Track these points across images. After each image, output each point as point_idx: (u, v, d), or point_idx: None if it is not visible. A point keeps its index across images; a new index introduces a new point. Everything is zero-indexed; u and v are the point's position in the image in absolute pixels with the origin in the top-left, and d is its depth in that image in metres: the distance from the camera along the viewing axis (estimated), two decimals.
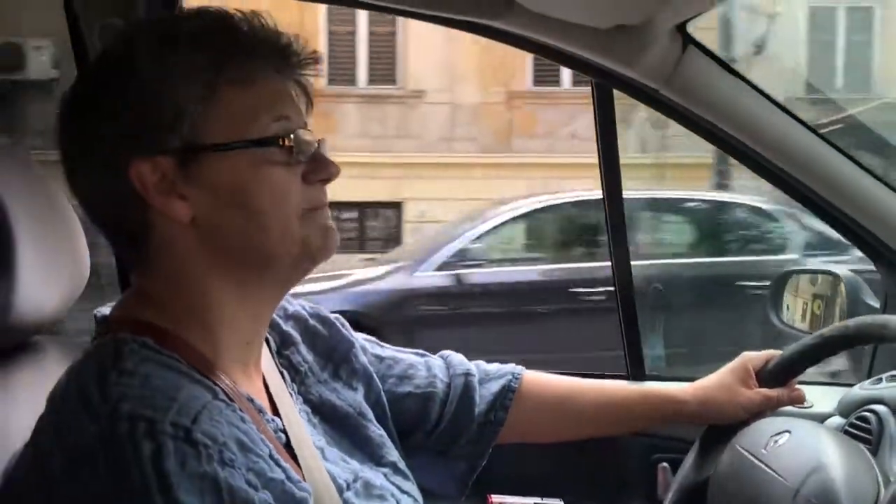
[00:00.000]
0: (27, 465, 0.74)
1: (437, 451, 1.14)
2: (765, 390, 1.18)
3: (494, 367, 1.21)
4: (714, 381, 1.20)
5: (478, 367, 1.19)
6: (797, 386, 1.21)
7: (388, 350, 1.15)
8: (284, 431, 0.84)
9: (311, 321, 1.05)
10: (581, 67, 1.38)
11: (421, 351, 1.19)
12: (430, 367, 1.16)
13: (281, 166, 0.80)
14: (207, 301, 0.81)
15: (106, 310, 0.88)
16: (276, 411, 0.87)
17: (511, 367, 1.22)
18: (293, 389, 0.95)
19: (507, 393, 1.17)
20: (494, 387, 1.17)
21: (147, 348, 0.76)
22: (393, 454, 1.00)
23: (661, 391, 1.25)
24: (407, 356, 1.16)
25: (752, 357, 1.21)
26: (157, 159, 0.77)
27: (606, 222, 1.60)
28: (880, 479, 0.93)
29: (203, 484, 0.68)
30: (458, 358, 1.20)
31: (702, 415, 1.19)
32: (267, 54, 0.80)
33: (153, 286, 0.82)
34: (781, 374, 1.19)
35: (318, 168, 0.83)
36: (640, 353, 1.63)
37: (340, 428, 0.98)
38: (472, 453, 1.15)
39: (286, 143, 0.80)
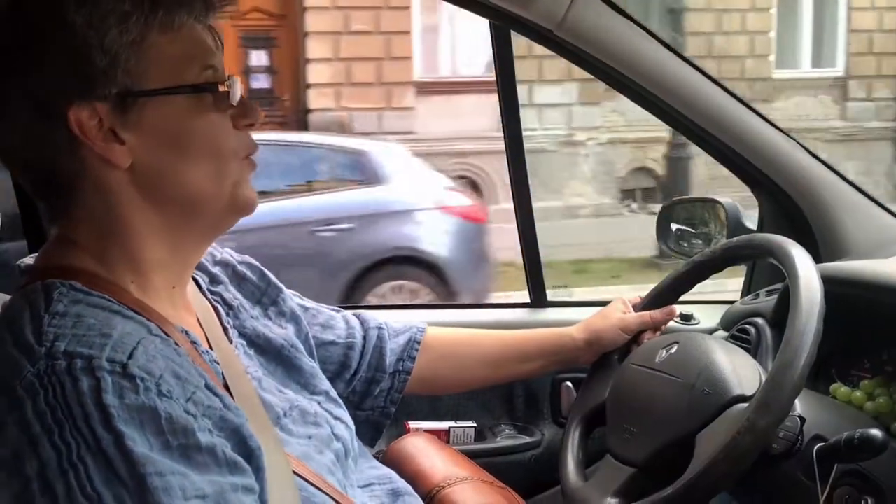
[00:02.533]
0: None
1: (354, 404, 1.22)
2: (639, 313, 1.31)
3: (400, 323, 1.30)
4: (596, 314, 1.34)
5: (386, 323, 1.28)
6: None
7: (309, 302, 1.21)
8: (219, 363, 0.87)
9: (240, 267, 1.08)
10: (478, 9, 1.42)
11: (335, 307, 1.27)
12: (347, 319, 1.25)
13: (214, 111, 0.83)
14: (138, 244, 0.83)
15: (29, 260, 0.88)
16: (210, 345, 0.90)
17: (416, 322, 1.31)
18: (228, 323, 0.99)
19: (413, 344, 1.27)
20: (402, 339, 1.28)
21: (76, 290, 0.78)
22: (324, 384, 1.06)
23: (552, 332, 1.34)
24: (325, 310, 1.23)
25: (632, 297, 1.35)
26: (94, 105, 0.78)
27: (508, 160, 1.67)
28: (761, 371, 1.05)
29: (143, 415, 0.70)
30: (369, 314, 1.29)
31: (589, 343, 1.30)
32: (189, 1, 0.82)
33: (81, 232, 0.83)
34: (659, 304, 1.31)
35: (246, 113, 0.86)
36: (542, 281, 1.72)
37: (275, 360, 1.02)
38: (384, 403, 1.25)
39: (222, 88, 0.83)
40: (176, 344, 0.80)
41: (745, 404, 0.99)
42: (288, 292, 1.14)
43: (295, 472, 0.87)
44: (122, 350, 0.72)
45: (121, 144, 0.79)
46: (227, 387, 0.85)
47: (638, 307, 1.33)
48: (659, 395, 1.09)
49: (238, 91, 0.84)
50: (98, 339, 0.73)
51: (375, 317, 1.29)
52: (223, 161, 0.84)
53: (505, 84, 1.56)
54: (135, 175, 0.81)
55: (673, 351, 1.13)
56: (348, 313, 1.27)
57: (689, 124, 1.48)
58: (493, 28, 1.51)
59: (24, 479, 0.68)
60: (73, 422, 0.69)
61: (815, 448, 0.99)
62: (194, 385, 0.76)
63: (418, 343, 1.28)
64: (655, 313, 1.30)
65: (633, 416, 1.12)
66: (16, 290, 0.84)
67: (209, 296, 1.00)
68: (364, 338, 1.24)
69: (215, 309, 0.98)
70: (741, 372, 1.04)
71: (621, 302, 1.34)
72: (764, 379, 1.00)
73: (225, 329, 0.97)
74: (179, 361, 0.77)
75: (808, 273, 1.02)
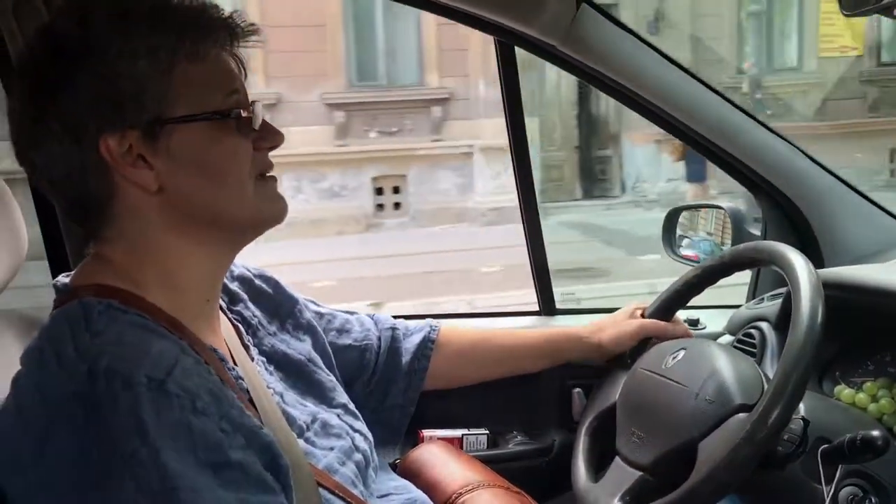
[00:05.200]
0: (10, 421, 0.78)
1: (373, 408, 1.25)
2: (649, 320, 1.34)
3: (414, 322, 1.34)
4: (606, 317, 1.38)
5: (399, 323, 1.32)
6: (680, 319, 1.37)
7: (324, 307, 1.25)
8: (244, 380, 0.91)
9: (257, 281, 1.12)
10: (484, 27, 1.45)
11: (349, 309, 1.30)
12: (362, 322, 1.28)
13: (238, 135, 0.86)
14: (170, 262, 0.87)
15: (65, 279, 0.92)
16: (234, 362, 0.93)
17: (429, 321, 1.35)
18: (249, 341, 1.02)
19: (428, 343, 1.31)
20: (416, 339, 1.31)
21: (114, 309, 0.81)
22: (343, 396, 1.09)
23: (563, 330, 1.39)
24: (340, 313, 1.26)
25: (640, 303, 1.39)
26: (125, 132, 0.81)
27: (514, 172, 1.70)
28: (764, 379, 1.08)
29: (177, 431, 0.73)
30: (382, 315, 1.32)
31: (596, 343, 1.34)
32: (216, 30, 0.85)
33: (114, 252, 0.86)
34: (667, 309, 1.35)
35: (267, 136, 0.90)
36: (551, 290, 1.75)
37: (294, 375, 1.06)
38: (402, 403, 1.28)
39: (246, 114, 0.86)
40: (206, 363, 0.83)
41: (747, 414, 1.02)
42: (303, 301, 1.18)
43: (320, 484, 0.90)
44: (160, 368, 0.76)
45: (150, 169, 0.83)
46: (252, 403, 0.89)
47: (647, 312, 1.36)
48: (664, 402, 1.12)
49: (260, 116, 0.88)
50: (136, 356, 0.76)
51: (388, 317, 1.33)
52: (245, 182, 0.88)
53: (510, 99, 1.59)
54: (163, 198, 0.84)
55: (679, 357, 1.16)
56: (362, 315, 1.30)
57: (692, 133, 1.51)
58: (497, 44, 1.55)
59: (74, 486, 0.72)
60: (112, 436, 0.72)
61: (820, 449, 1.02)
62: (228, 403, 0.79)
63: (432, 342, 1.31)
64: (668, 327, 1.33)
65: (641, 420, 1.15)
66: (54, 308, 0.88)
67: (230, 315, 1.03)
68: (379, 339, 1.27)
69: (236, 327, 1.02)
70: (744, 381, 1.07)
71: (631, 310, 1.37)
72: (766, 386, 1.03)
73: (246, 347, 1.00)
74: (212, 380, 0.81)
75: (809, 284, 1.04)
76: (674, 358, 1.16)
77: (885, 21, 9.79)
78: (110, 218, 0.85)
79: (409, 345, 1.30)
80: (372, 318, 1.30)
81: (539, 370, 1.41)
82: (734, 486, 1.00)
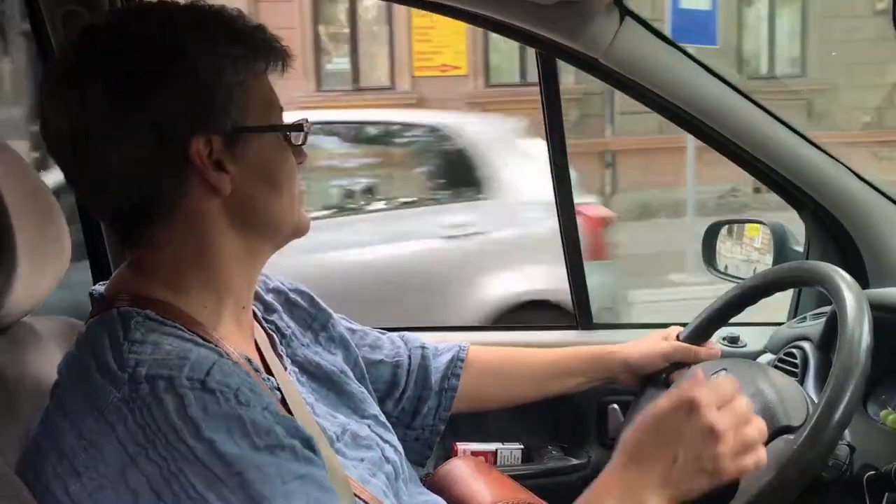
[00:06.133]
0: (59, 430, 0.79)
1: (404, 426, 1.25)
2: (683, 344, 1.32)
3: (443, 343, 1.34)
4: (642, 338, 1.36)
5: (428, 343, 1.32)
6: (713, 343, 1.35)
7: (357, 325, 1.26)
8: (279, 389, 0.92)
9: (292, 294, 1.14)
10: (527, 40, 1.45)
11: (380, 329, 1.31)
12: (392, 340, 1.29)
13: (290, 149, 0.92)
14: (219, 268, 0.89)
15: (101, 288, 0.93)
16: (268, 371, 0.94)
17: (457, 342, 1.35)
18: (282, 351, 1.03)
19: (457, 362, 1.31)
20: (445, 358, 1.31)
21: (151, 320, 0.83)
22: (374, 408, 1.09)
23: (594, 349, 1.37)
24: (372, 331, 1.28)
25: (677, 327, 1.37)
26: (211, 136, 0.84)
27: (553, 179, 1.69)
28: (808, 401, 1.05)
29: (228, 422, 0.75)
30: (411, 335, 1.33)
31: (629, 365, 1.32)
32: (273, 50, 0.90)
33: (159, 259, 0.88)
34: (704, 329, 1.33)
35: (300, 153, 0.94)
36: (588, 302, 1.73)
37: (326, 385, 1.06)
38: (433, 422, 1.28)
39: (307, 129, 0.92)
40: (242, 369, 0.84)
41: (792, 436, 1.00)
42: (336, 317, 1.19)
43: (355, 495, 0.90)
44: (199, 370, 0.77)
45: (226, 174, 0.86)
46: (288, 410, 0.89)
47: (684, 333, 1.34)
48: None
49: (307, 133, 0.93)
50: (176, 361, 0.78)
51: (417, 337, 1.33)
52: (294, 192, 0.93)
53: (551, 111, 1.59)
54: (229, 203, 0.87)
55: (721, 377, 1.14)
56: (393, 334, 1.31)
57: (735, 148, 1.50)
58: (539, 57, 1.54)
59: (133, 491, 0.73)
60: (165, 438, 0.73)
61: (866, 476, 0.99)
62: (266, 400, 0.81)
63: (462, 361, 1.31)
64: (699, 349, 1.31)
65: None
66: (91, 316, 0.89)
67: (265, 324, 1.04)
68: (409, 357, 1.28)
69: (270, 337, 1.03)
70: (788, 402, 1.04)
71: (666, 331, 1.36)
72: (811, 408, 1.01)
73: (279, 357, 1.01)
74: (250, 380, 0.82)
75: (856, 308, 1.01)
76: (715, 376, 1.14)
77: (494, 40, 9.07)
78: (167, 222, 0.86)
79: (439, 364, 1.30)
80: (402, 338, 1.31)
81: (568, 391, 1.39)
82: None
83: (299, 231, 0.95)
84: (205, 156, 0.84)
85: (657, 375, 1.31)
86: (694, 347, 1.31)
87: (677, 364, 1.31)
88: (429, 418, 1.27)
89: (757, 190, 10.95)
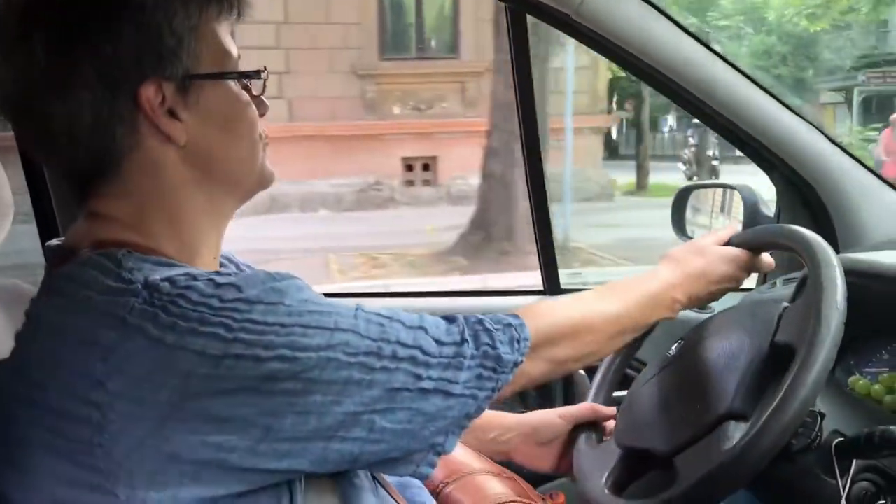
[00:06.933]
0: (65, 349, 0.75)
1: None
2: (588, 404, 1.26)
3: None
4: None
5: None
6: None
7: None
8: None
9: (242, 266, 1.08)
10: None
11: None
12: None
13: (249, 97, 0.89)
14: (181, 217, 0.86)
15: (57, 241, 0.89)
16: None
17: None
18: None
19: None
20: None
21: (133, 255, 0.80)
22: None
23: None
24: None
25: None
26: (161, 83, 0.81)
27: (522, 145, 1.65)
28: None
29: (266, 292, 0.75)
30: None
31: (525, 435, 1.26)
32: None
33: (120, 208, 0.84)
34: None
35: (260, 103, 0.91)
36: (556, 270, 1.71)
37: None
38: None
39: (265, 76, 0.89)
40: None
41: (742, 423, 0.95)
42: None
43: None
44: (203, 271, 0.77)
45: (180, 122, 0.83)
46: None
47: None
48: (656, 399, 1.10)
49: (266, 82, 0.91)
50: (179, 269, 0.77)
51: None
52: (256, 142, 0.90)
53: (520, 68, 1.54)
54: (185, 152, 0.84)
55: (673, 352, 1.12)
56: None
57: (707, 108, 1.47)
58: (508, 12, 1.49)
59: (172, 383, 0.71)
60: (206, 316, 0.72)
61: (834, 443, 0.97)
62: None
63: None
64: (600, 409, 1.26)
65: (637, 413, 1.12)
66: (52, 268, 0.84)
67: None
68: None
69: None
70: (740, 385, 0.99)
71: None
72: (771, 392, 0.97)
73: None
74: None
75: (832, 271, 0.98)
76: (676, 349, 1.13)
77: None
78: (125, 173, 0.83)
79: None
80: None
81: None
82: (751, 474, 0.93)
83: (263, 183, 0.93)
84: (156, 104, 0.81)
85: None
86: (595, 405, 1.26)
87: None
88: None
89: (410, 183, 11.03)
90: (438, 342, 0.83)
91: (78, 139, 0.81)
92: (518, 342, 0.89)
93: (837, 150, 1.46)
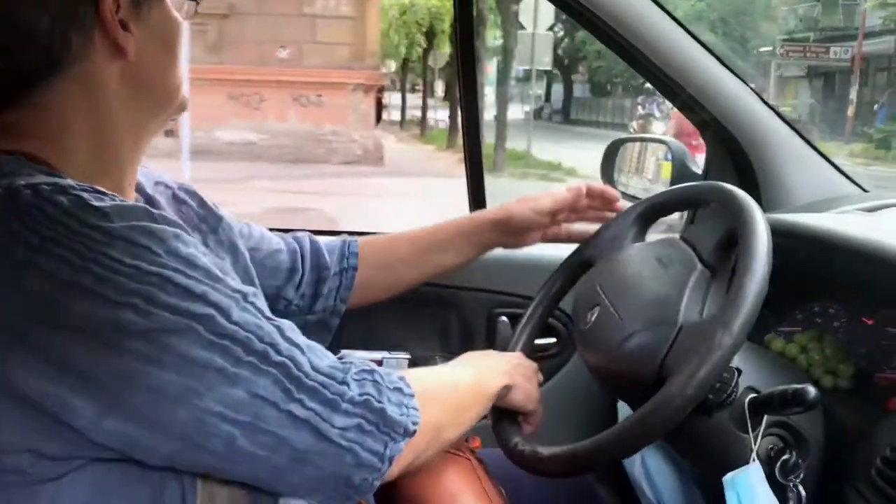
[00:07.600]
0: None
1: (305, 309, 1.22)
2: (551, 191, 1.31)
3: (325, 238, 1.30)
4: (525, 197, 1.33)
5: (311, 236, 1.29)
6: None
7: (242, 224, 1.19)
8: None
9: (179, 192, 1.06)
10: None
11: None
12: (280, 235, 1.26)
13: (186, 19, 0.90)
14: (109, 137, 0.84)
15: None
16: None
17: (342, 236, 1.32)
18: None
19: (350, 243, 1.29)
20: (336, 241, 1.29)
21: (21, 162, 0.76)
22: None
23: (470, 215, 1.34)
24: (256, 226, 1.23)
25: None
26: None
27: (459, 91, 1.62)
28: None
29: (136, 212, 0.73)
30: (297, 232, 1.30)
31: (499, 221, 1.30)
32: None
33: (39, 121, 0.80)
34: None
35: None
36: (482, 187, 1.71)
37: None
38: (333, 302, 1.25)
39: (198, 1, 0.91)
40: None
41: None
42: (227, 221, 1.11)
43: None
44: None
45: (130, 34, 0.82)
46: None
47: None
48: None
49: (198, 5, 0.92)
50: (56, 177, 0.73)
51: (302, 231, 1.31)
52: (181, 64, 0.90)
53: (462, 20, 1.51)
54: (127, 70, 0.83)
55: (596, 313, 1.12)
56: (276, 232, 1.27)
57: (646, 62, 1.45)
58: None
59: (17, 300, 0.67)
60: (60, 236, 0.68)
61: (748, 399, 0.99)
62: None
63: (355, 243, 1.28)
64: (567, 193, 1.31)
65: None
66: None
67: None
68: (298, 244, 1.25)
69: None
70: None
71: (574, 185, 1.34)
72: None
73: None
74: None
75: (760, 230, 0.97)
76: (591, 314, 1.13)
77: None
78: (63, 82, 0.80)
79: (331, 246, 1.27)
80: (286, 233, 1.28)
81: (446, 267, 1.33)
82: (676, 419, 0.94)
83: (183, 107, 0.92)
84: (113, 12, 0.80)
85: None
86: (562, 192, 1.30)
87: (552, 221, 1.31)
88: (329, 300, 1.24)
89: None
90: (314, 367, 0.77)
91: (35, 39, 0.78)
92: (406, 407, 0.85)
93: (770, 112, 1.46)
